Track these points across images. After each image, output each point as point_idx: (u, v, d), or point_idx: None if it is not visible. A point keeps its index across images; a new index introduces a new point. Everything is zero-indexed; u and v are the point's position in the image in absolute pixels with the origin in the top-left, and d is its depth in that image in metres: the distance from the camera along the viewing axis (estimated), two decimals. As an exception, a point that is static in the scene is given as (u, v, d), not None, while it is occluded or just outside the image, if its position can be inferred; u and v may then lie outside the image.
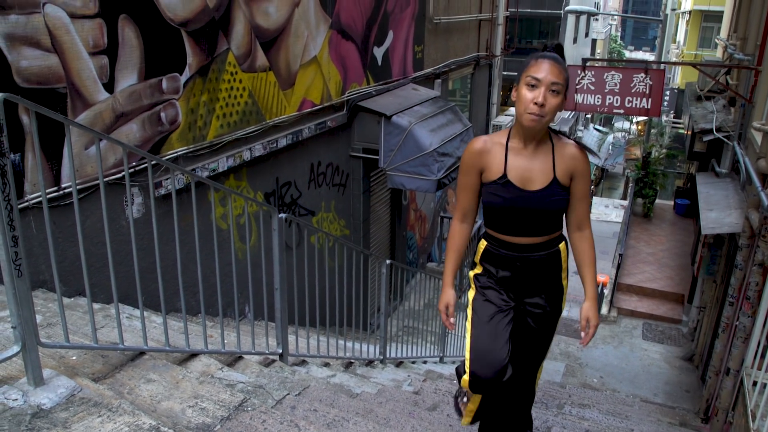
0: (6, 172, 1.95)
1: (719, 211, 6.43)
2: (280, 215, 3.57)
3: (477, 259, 2.70)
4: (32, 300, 2.09)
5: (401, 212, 9.49)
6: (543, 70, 2.29)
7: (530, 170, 2.44)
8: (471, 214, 2.68)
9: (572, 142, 2.51)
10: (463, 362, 2.74)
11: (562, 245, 2.61)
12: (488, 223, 2.60)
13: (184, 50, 4.67)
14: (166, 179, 4.57)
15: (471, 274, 2.74)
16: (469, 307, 2.75)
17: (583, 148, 2.51)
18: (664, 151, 20.01)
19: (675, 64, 21.15)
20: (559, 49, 2.43)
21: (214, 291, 3.77)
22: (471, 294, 2.75)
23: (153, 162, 2.83)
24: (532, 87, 2.29)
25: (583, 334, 2.60)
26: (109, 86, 4.01)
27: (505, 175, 2.44)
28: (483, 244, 2.66)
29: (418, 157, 7.44)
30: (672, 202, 18.88)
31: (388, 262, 5.30)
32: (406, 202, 9.68)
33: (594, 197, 22.31)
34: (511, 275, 2.61)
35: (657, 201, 18.63)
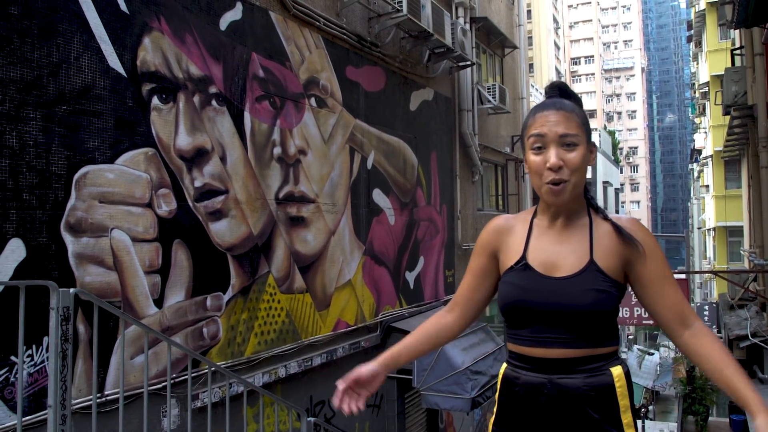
0: (67, 355, 2.22)
1: None
2: (309, 419, 3.66)
3: (496, 395, 1.93)
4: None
5: (439, 437, 9.16)
6: (544, 122, 1.78)
7: (557, 253, 1.84)
8: (463, 307, 2.02)
9: (623, 216, 1.89)
10: None
11: (616, 370, 1.78)
12: (508, 332, 1.93)
13: (229, 272, 5.13)
14: (203, 392, 4.72)
15: (489, 424, 1.94)
16: None
17: (638, 222, 1.89)
18: None
19: (694, 272, 21.38)
20: (563, 91, 1.90)
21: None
22: None
23: (212, 369, 3.05)
24: (539, 149, 1.79)
25: None
26: (159, 302, 4.40)
27: (524, 258, 1.85)
28: (503, 368, 1.93)
29: (451, 376, 7.44)
30: (728, 419, 17.78)
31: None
32: (443, 425, 9.38)
33: (647, 420, 20.99)
34: (537, 418, 1.79)
35: (711, 418, 17.53)
